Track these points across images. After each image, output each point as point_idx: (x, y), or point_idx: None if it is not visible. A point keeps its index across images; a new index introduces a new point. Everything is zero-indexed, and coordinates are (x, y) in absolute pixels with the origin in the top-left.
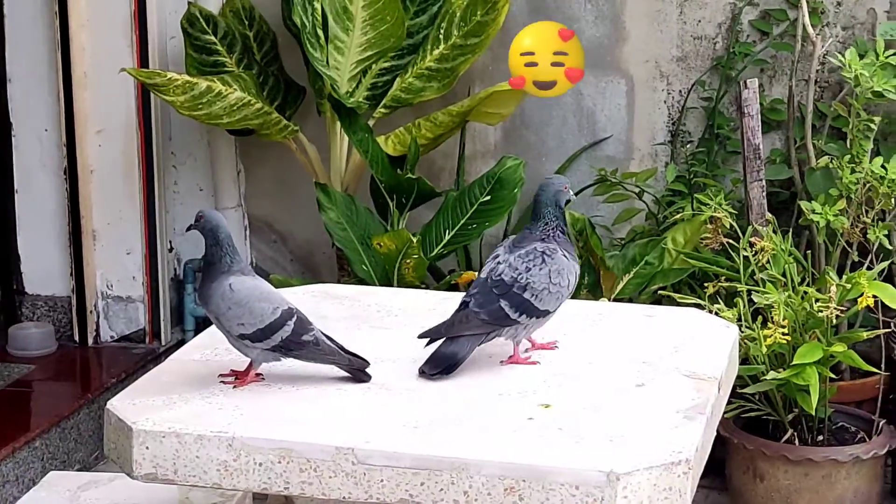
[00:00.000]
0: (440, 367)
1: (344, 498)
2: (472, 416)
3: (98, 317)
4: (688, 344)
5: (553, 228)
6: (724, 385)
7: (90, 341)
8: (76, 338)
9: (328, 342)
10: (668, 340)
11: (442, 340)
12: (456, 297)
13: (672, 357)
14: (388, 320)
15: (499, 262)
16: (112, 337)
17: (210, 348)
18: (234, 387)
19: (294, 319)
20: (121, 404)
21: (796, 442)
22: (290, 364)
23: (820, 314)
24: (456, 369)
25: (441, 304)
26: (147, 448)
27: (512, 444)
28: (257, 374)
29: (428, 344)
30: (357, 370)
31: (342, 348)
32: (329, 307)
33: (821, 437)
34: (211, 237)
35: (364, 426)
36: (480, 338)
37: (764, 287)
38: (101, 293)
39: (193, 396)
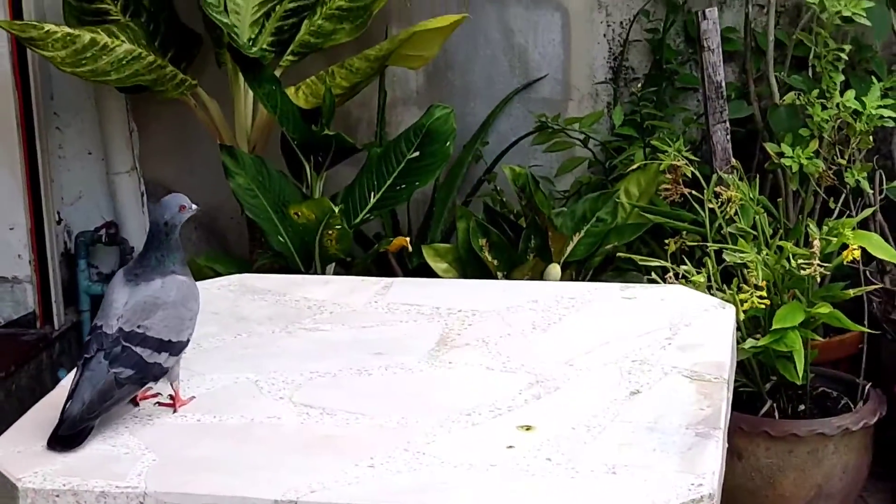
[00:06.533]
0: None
1: None
2: (439, 447)
3: None
4: (682, 332)
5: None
6: (730, 385)
7: None
8: None
9: None
10: (658, 329)
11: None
12: (396, 285)
13: (666, 352)
14: (321, 319)
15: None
16: None
17: None
18: (175, 411)
19: None
20: (2, 453)
21: (776, 415)
22: (208, 386)
23: (802, 272)
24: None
25: (382, 296)
26: None
27: (492, 482)
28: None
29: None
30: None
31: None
32: (249, 305)
33: (802, 407)
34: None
35: (306, 468)
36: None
37: (732, 243)
38: None
39: (92, 436)
